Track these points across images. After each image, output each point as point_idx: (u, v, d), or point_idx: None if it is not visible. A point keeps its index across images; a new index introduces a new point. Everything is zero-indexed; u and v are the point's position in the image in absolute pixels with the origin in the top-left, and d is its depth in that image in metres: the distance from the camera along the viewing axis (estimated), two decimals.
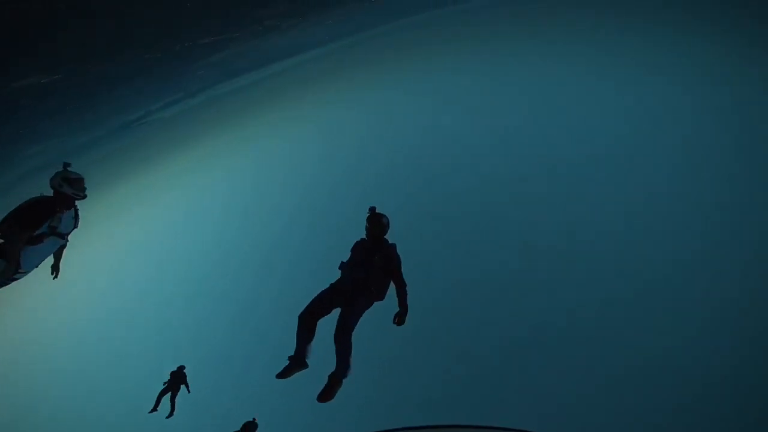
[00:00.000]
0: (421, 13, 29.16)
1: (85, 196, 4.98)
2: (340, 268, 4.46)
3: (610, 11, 28.76)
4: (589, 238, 23.57)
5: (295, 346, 4.13)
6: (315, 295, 4.24)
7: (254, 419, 6.96)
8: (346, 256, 4.64)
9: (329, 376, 4.02)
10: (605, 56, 30.36)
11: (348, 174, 34.92)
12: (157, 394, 13.35)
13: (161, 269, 39.06)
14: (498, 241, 27.79)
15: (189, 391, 13.43)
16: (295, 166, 39.59)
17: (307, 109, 42.43)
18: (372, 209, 4.53)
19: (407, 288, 4.30)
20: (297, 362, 4.12)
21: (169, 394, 13.39)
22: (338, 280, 4.35)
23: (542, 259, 24.73)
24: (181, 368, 13.55)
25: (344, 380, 4.00)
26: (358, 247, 4.53)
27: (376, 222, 4.51)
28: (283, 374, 4.02)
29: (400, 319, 4.13)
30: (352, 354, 4.02)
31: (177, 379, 13.41)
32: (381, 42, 34.63)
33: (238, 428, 7.02)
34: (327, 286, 4.34)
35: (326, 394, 3.93)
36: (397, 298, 4.27)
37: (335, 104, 41.47)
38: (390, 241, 4.56)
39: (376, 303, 4.35)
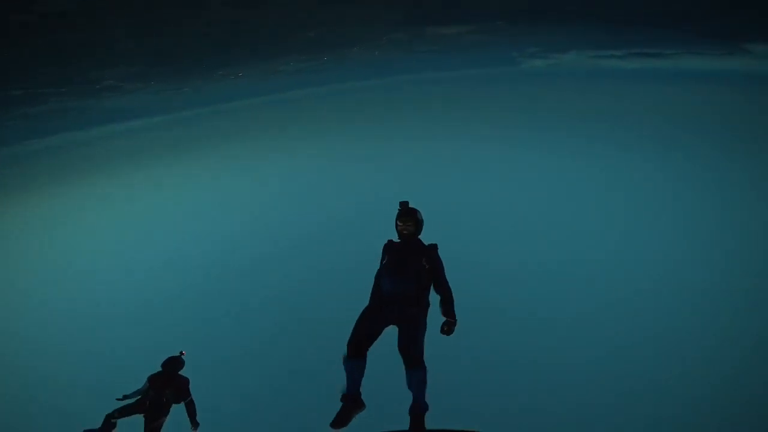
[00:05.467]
0: (283, 92, 32.05)
1: None
2: (377, 277, 3.85)
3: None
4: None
5: (345, 385, 3.56)
6: (357, 318, 3.66)
7: (181, 353, 5.85)
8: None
9: (410, 412, 3.55)
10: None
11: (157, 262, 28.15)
12: None
13: None
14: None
15: None
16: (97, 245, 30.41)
17: (132, 185, 36.68)
18: (404, 204, 3.99)
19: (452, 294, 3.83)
20: (354, 402, 3.56)
21: None
22: (382, 295, 3.72)
23: None
24: None
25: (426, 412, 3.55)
26: (392, 251, 3.89)
27: (411, 218, 3.88)
28: (341, 421, 3.44)
29: (449, 328, 3.61)
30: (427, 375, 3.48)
31: None
32: (229, 117, 35.31)
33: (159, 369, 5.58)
34: (368, 303, 3.76)
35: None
36: (441, 307, 3.69)
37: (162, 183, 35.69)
38: (424, 242, 3.98)
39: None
